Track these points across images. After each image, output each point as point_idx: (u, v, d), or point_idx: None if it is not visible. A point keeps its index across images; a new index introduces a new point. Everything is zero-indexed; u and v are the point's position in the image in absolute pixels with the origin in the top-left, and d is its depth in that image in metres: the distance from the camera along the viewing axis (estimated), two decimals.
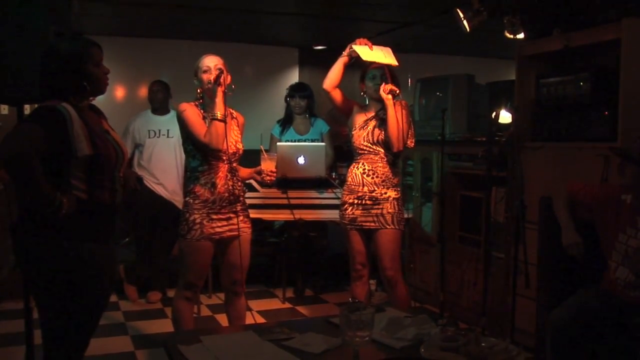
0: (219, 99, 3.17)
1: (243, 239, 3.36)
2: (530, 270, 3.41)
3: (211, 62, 3.24)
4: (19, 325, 3.21)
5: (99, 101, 2.54)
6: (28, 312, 2.89)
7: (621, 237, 2.91)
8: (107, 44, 2.53)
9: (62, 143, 2.27)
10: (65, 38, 2.62)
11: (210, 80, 3.19)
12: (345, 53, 3.55)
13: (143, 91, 6.15)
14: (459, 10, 4.06)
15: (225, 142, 3.18)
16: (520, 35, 4.04)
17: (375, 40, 3.64)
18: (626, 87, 3.35)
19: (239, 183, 3.37)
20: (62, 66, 2.36)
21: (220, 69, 3.22)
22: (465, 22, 4.06)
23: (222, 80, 3.18)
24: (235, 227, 3.30)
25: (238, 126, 3.41)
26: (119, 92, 6.33)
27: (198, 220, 3.21)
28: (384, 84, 3.50)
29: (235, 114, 3.44)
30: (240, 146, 3.36)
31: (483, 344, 1.99)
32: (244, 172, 3.46)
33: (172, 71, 5.82)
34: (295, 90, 5.32)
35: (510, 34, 4.05)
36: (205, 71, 3.23)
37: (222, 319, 4.36)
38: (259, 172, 3.42)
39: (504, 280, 4.06)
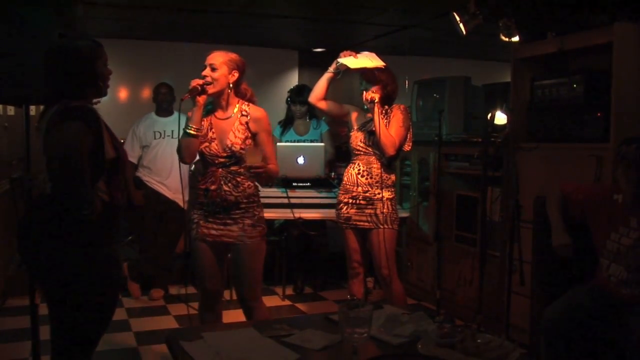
0: (195, 111, 2.98)
1: (247, 249, 3.06)
2: (525, 268, 3.43)
3: (208, 60, 3.03)
4: (24, 321, 3.25)
5: (102, 102, 2.53)
6: (33, 309, 2.88)
7: (614, 235, 2.93)
8: (109, 46, 2.50)
9: (98, 145, 2.24)
10: (74, 38, 2.53)
11: (191, 85, 2.97)
12: (330, 69, 3.61)
13: (145, 93, 6.17)
14: (455, 14, 4.08)
15: (190, 157, 3.06)
16: (515, 38, 4.07)
17: (375, 42, 3.69)
18: (618, 89, 3.40)
19: (240, 188, 3.05)
20: (81, 66, 2.30)
21: (214, 68, 2.99)
22: (461, 26, 4.08)
23: (205, 87, 2.96)
24: (234, 234, 3.06)
25: (245, 124, 3.06)
26: (122, 94, 6.30)
27: (196, 220, 3.17)
28: (364, 92, 3.56)
29: (249, 109, 3.09)
30: (236, 148, 3.02)
31: (479, 340, 2.02)
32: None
33: (173, 73, 5.79)
34: (296, 95, 5.36)
35: (505, 37, 4.08)
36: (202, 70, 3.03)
37: (224, 316, 4.40)
38: (249, 169, 3.02)
39: (499, 278, 4.11)
